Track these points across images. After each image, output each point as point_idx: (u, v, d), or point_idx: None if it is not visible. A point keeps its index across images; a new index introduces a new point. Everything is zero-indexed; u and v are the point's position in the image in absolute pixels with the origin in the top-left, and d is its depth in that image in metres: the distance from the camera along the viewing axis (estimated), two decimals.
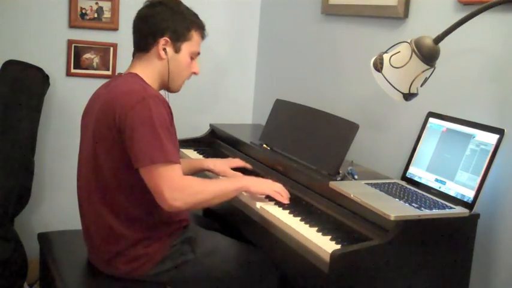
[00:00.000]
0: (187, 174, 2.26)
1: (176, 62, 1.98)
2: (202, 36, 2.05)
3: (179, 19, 1.97)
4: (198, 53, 2.05)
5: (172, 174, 1.79)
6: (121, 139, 1.81)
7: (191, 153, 2.67)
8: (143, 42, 1.97)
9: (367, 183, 1.96)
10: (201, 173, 2.37)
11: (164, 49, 1.95)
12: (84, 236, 2.01)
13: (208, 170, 2.35)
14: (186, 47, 1.99)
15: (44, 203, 2.96)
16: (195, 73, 2.06)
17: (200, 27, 2.03)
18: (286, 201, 2.00)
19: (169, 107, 1.88)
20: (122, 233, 1.90)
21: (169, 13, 1.96)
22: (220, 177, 2.30)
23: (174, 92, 2.06)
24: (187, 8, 2.02)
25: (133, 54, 2.02)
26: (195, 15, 2.03)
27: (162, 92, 2.01)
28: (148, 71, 1.96)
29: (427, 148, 1.96)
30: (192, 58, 2.02)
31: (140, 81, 1.92)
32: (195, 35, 2.01)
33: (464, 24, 1.74)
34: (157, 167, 1.78)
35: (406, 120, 2.22)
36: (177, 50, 1.97)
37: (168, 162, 1.79)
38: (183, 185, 1.82)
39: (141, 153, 1.78)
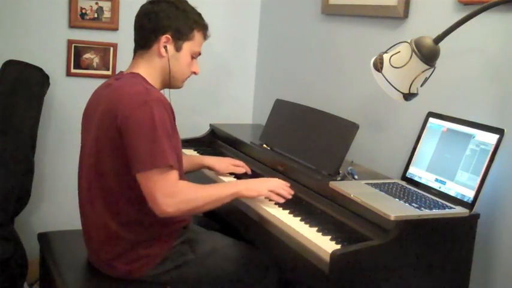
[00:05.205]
0: (188, 171, 2.27)
1: (177, 61, 1.98)
2: (205, 36, 2.04)
3: (182, 18, 1.96)
4: (199, 53, 2.05)
5: (168, 180, 1.79)
6: (121, 141, 1.80)
7: (191, 153, 2.66)
8: (144, 39, 1.96)
9: (367, 183, 1.96)
10: (199, 170, 2.38)
11: (165, 47, 1.94)
12: (84, 237, 2.01)
13: (209, 168, 2.35)
14: (187, 46, 1.98)
15: (44, 203, 2.96)
16: (195, 73, 2.06)
17: (203, 27, 2.02)
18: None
19: (171, 110, 1.87)
20: (122, 234, 1.89)
21: (173, 11, 1.95)
22: (220, 177, 2.30)
23: (176, 88, 2.06)
24: (191, 7, 2.01)
25: (135, 51, 2.01)
26: (199, 15, 2.02)
27: (165, 91, 2.01)
28: (150, 70, 1.96)
29: (427, 148, 1.96)
30: (192, 58, 2.02)
31: (143, 81, 1.91)
32: (197, 35, 2.00)
33: (464, 24, 1.74)
34: (155, 173, 1.77)
35: (406, 120, 2.22)
36: (178, 49, 1.97)
37: (166, 168, 1.78)
38: (177, 192, 1.81)
39: (140, 158, 1.77)
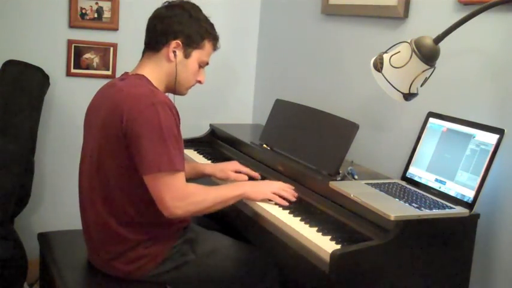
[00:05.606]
0: (192, 178, 2.27)
1: (184, 67, 1.98)
2: (215, 47, 2.06)
3: (195, 25, 1.97)
4: (207, 63, 2.05)
5: (176, 183, 1.80)
6: (126, 143, 1.80)
7: (191, 153, 2.67)
8: (154, 41, 1.96)
9: (367, 183, 1.96)
10: (204, 178, 2.36)
11: (174, 52, 1.95)
12: (85, 236, 2.01)
13: (210, 176, 2.34)
14: (196, 54, 1.99)
15: (44, 203, 2.96)
16: (200, 82, 2.06)
17: (214, 38, 2.03)
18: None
19: (177, 113, 1.87)
20: (122, 234, 1.90)
21: (186, 17, 1.96)
22: (226, 182, 2.29)
23: (180, 95, 2.06)
24: (205, 17, 2.02)
25: (143, 53, 2.01)
26: (212, 26, 2.03)
27: (168, 93, 2.01)
28: (156, 73, 1.96)
29: (427, 148, 1.96)
30: (200, 66, 2.03)
31: (148, 84, 1.91)
32: (207, 44, 2.01)
33: (464, 24, 1.74)
34: (163, 176, 1.78)
35: (406, 120, 2.22)
36: (186, 56, 1.98)
37: (174, 171, 1.79)
38: (185, 194, 1.83)
39: (148, 161, 1.78)
